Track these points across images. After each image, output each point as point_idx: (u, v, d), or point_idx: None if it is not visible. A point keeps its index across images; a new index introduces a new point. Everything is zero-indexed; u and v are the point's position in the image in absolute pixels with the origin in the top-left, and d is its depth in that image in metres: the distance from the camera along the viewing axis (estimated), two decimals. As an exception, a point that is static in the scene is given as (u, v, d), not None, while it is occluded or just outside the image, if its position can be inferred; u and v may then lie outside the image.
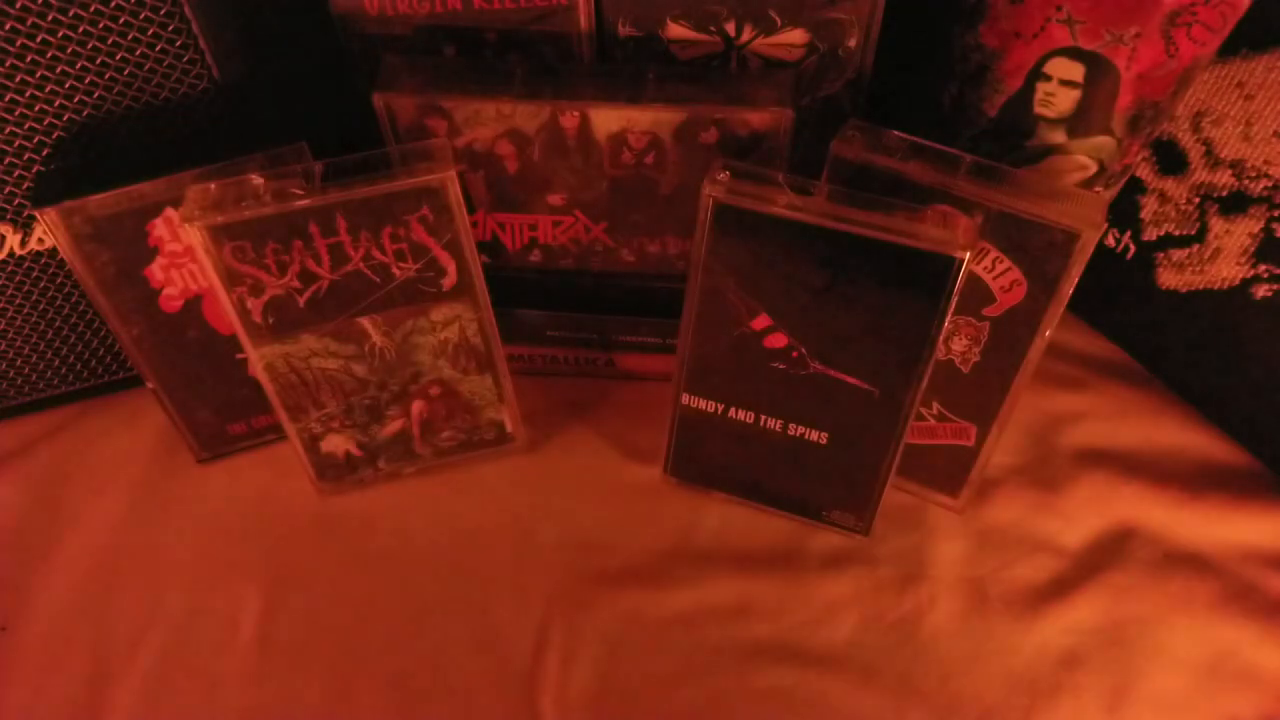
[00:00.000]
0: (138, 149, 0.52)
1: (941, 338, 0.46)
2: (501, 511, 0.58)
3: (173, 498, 0.59)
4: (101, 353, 0.62)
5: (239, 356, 0.56)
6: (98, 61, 0.49)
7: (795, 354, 0.50)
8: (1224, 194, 0.54)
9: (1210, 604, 0.54)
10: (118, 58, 0.49)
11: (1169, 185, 0.57)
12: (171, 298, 0.53)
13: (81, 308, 0.59)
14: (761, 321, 0.49)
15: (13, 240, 0.54)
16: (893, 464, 0.52)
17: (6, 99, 0.48)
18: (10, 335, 0.58)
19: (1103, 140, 0.49)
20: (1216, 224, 0.55)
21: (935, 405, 0.54)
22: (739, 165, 0.46)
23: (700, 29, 0.52)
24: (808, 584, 0.55)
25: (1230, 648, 0.52)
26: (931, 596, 0.54)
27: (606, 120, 0.51)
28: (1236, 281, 0.56)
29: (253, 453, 0.61)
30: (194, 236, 0.46)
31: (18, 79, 0.48)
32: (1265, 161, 0.52)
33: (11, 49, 0.47)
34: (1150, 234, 0.59)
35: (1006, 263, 0.47)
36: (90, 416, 0.63)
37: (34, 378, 0.61)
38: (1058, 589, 0.54)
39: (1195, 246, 0.57)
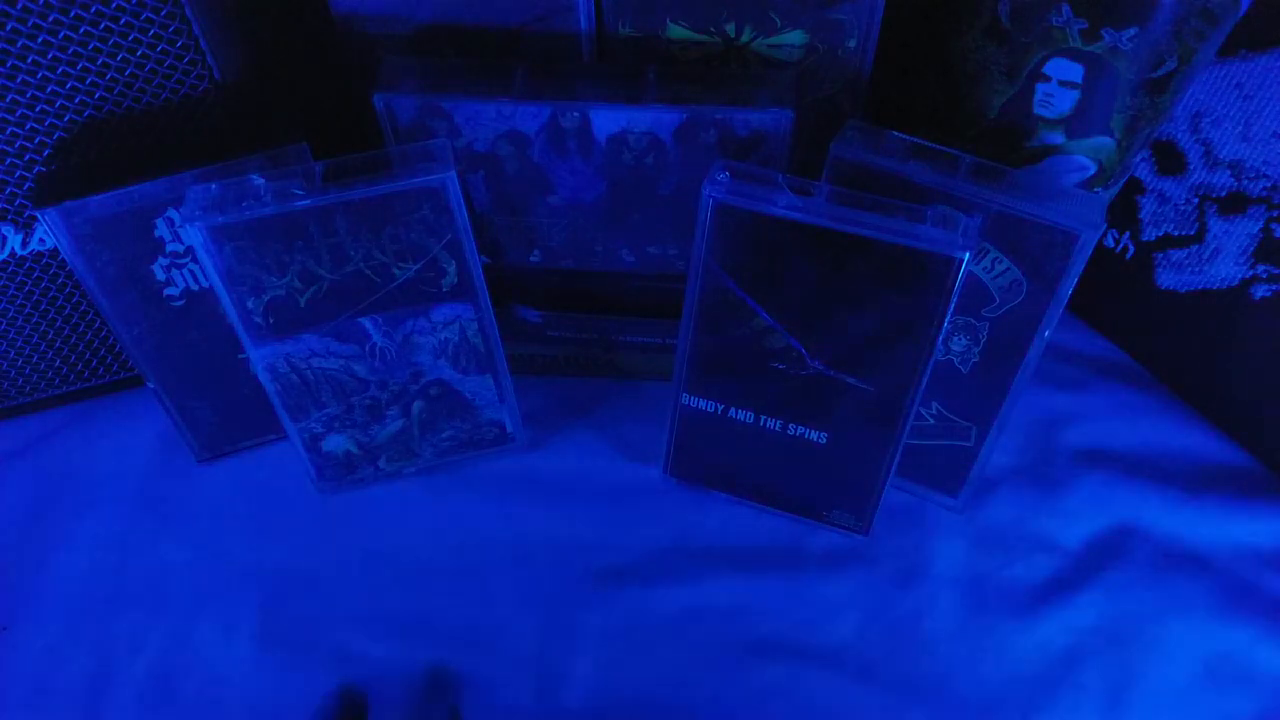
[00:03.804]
0: (139, 149, 0.52)
1: (941, 338, 0.46)
2: (501, 511, 0.58)
3: (173, 498, 0.59)
4: (102, 353, 0.62)
5: (240, 356, 0.56)
6: (98, 62, 0.49)
7: (795, 354, 0.50)
8: (1223, 194, 0.54)
9: (1210, 604, 0.54)
10: (118, 58, 0.49)
11: (1168, 185, 0.57)
12: (172, 298, 0.53)
13: (82, 308, 0.59)
14: (761, 322, 0.49)
15: (14, 241, 0.54)
16: (893, 464, 0.52)
17: (8, 99, 0.48)
18: (11, 335, 0.58)
19: (1102, 141, 0.49)
20: (1215, 224, 0.55)
21: (935, 405, 0.54)
22: (739, 165, 0.46)
23: (700, 29, 0.52)
24: (808, 583, 0.55)
25: (1230, 648, 0.52)
26: (931, 596, 0.54)
27: (606, 120, 0.51)
28: (1236, 282, 0.56)
29: (253, 453, 0.61)
30: (195, 236, 0.46)
31: (19, 79, 0.48)
32: (1264, 162, 0.52)
33: (12, 49, 0.47)
34: (1149, 234, 0.59)
35: (1006, 263, 0.47)
36: (90, 416, 0.63)
37: (34, 378, 0.61)
38: (1058, 589, 0.54)
39: (1194, 247, 0.57)
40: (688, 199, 0.54)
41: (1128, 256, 0.61)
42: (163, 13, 0.48)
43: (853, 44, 0.53)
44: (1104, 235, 0.61)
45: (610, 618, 0.53)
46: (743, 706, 0.50)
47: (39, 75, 0.48)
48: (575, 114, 0.51)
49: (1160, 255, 0.59)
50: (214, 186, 0.46)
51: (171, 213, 0.50)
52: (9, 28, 0.46)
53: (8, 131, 0.50)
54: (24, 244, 0.55)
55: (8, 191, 0.52)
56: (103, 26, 0.48)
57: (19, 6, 0.46)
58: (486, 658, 0.52)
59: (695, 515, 0.58)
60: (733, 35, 0.52)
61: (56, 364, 0.61)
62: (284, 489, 0.59)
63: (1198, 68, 0.46)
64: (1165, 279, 0.59)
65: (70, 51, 0.48)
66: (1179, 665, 0.52)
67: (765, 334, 0.49)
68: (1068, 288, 0.47)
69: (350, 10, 0.53)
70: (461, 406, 0.57)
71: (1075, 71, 0.47)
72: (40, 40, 0.47)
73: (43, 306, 0.58)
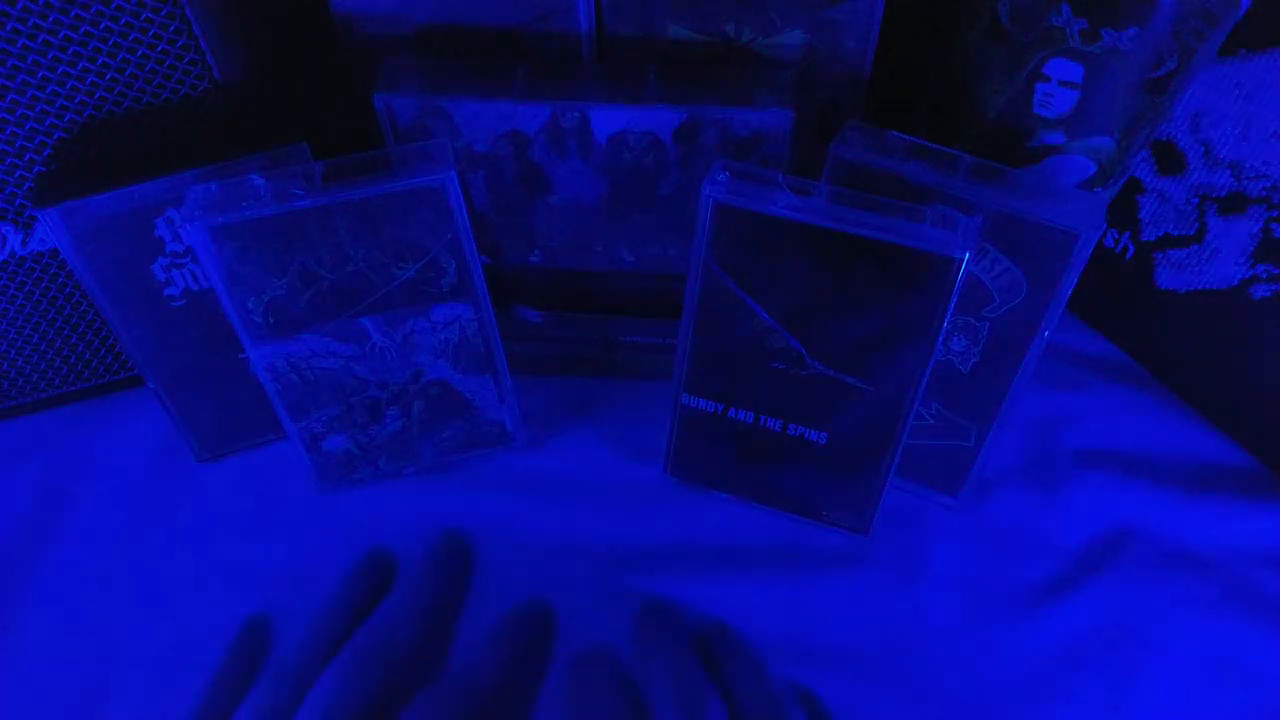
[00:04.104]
0: (139, 149, 0.52)
1: (941, 338, 0.46)
2: (501, 511, 0.58)
3: (173, 498, 0.59)
4: (102, 353, 0.62)
5: (240, 356, 0.56)
6: (98, 62, 0.49)
7: (795, 354, 0.50)
8: (1223, 194, 0.54)
9: (1210, 604, 0.54)
10: (118, 58, 0.49)
11: (1168, 185, 0.57)
12: (173, 298, 0.53)
13: (82, 308, 0.59)
14: (761, 322, 0.49)
15: (14, 241, 0.54)
16: (893, 464, 0.52)
17: (8, 99, 0.48)
18: (11, 335, 0.58)
19: (1102, 141, 0.49)
20: (1215, 224, 0.55)
21: (935, 405, 0.54)
22: (739, 165, 0.46)
23: (700, 29, 0.52)
24: (808, 583, 0.55)
25: (1230, 647, 0.52)
26: (931, 596, 0.54)
27: (606, 120, 0.51)
28: (1235, 282, 0.56)
29: (253, 453, 0.61)
30: (195, 236, 0.46)
31: (19, 79, 0.48)
32: (1264, 162, 0.52)
33: (12, 49, 0.47)
34: (1149, 234, 0.59)
35: (1006, 263, 0.47)
36: (90, 416, 0.63)
37: (34, 378, 0.61)
38: (1058, 589, 0.54)
39: (1194, 247, 0.57)
40: (688, 199, 0.54)
41: (1128, 256, 0.61)
42: (163, 13, 0.48)
43: (853, 44, 0.53)
44: (1104, 235, 0.61)
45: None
46: (743, 706, 0.50)
47: (39, 75, 0.48)
48: (575, 114, 0.51)
49: (1160, 255, 0.59)
50: (214, 186, 0.46)
51: (171, 213, 0.50)
52: (9, 28, 0.46)
53: (8, 131, 0.50)
54: (24, 244, 0.55)
55: (8, 191, 0.52)
56: (103, 26, 0.48)
57: (19, 6, 0.46)
58: (486, 658, 0.52)
59: (695, 515, 0.58)
60: (733, 35, 0.52)
61: (56, 364, 0.61)
62: (284, 489, 0.59)
63: (1198, 68, 0.46)
64: (1165, 279, 0.59)
65: (70, 51, 0.48)
66: (1179, 665, 0.52)
67: (765, 334, 0.49)
68: (1068, 288, 0.47)
69: (350, 10, 0.53)
70: (461, 406, 0.57)
71: (1075, 71, 0.47)
72: (40, 40, 0.47)
73: (43, 306, 0.58)
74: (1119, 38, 0.45)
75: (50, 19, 0.47)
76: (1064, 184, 0.51)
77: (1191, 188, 0.56)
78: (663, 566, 0.55)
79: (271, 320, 0.50)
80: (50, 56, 0.48)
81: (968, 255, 0.43)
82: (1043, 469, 0.60)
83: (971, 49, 0.50)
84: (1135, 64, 0.45)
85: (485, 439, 0.59)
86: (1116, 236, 0.61)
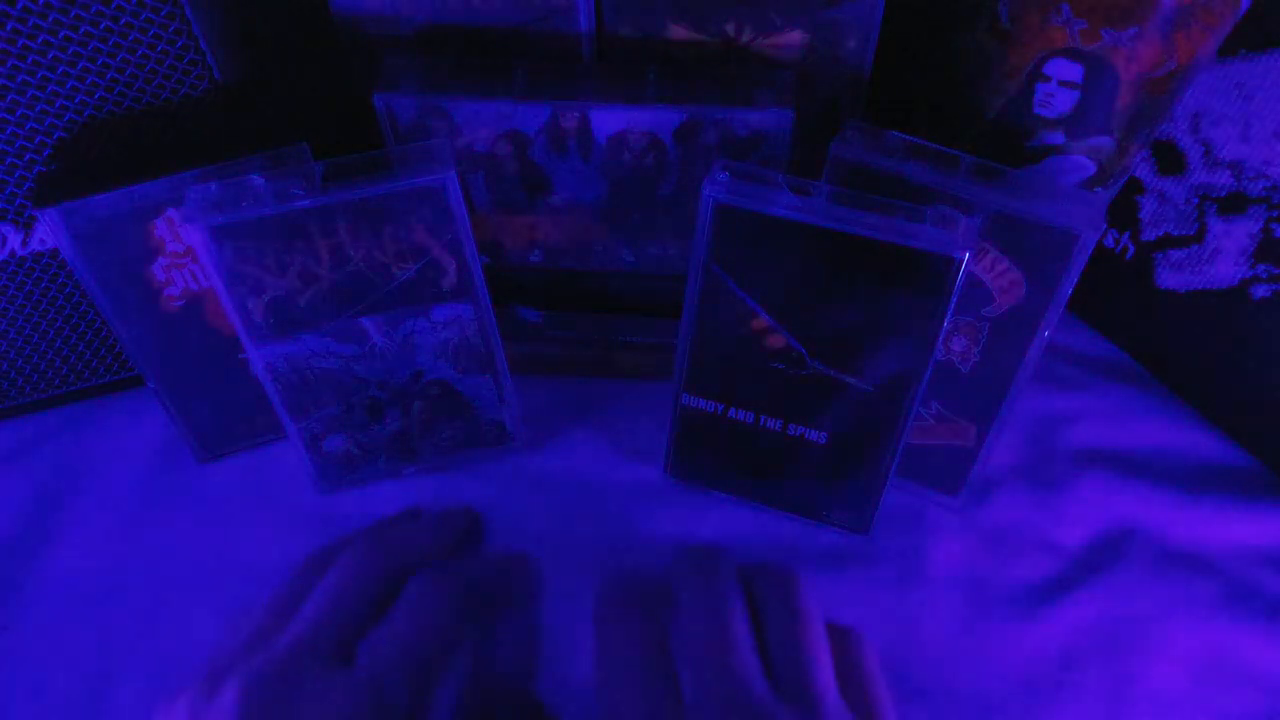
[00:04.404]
0: (139, 149, 0.52)
1: (941, 338, 0.46)
2: (502, 511, 0.58)
3: (173, 498, 0.59)
4: (102, 353, 0.62)
5: (240, 356, 0.56)
6: (98, 62, 0.49)
7: (795, 354, 0.50)
8: (1223, 194, 0.54)
9: (1210, 604, 0.54)
10: (118, 58, 0.49)
11: (1168, 185, 0.57)
12: (173, 298, 0.53)
13: (82, 308, 0.59)
14: (761, 322, 0.49)
15: (14, 241, 0.54)
16: (893, 464, 0.52)
17: (8, 99, 0.49)
18: (11, 335, 0.58)
19: (1102, 141, 0.49)
20: (1215, 224, 0.55)
21: (935, 405, 0.54)
22: (739, 165, 0.46)
23: (700, 29, 0.52)
24: (808, 584, 0.55)
25: (1230, 648, 0.52)
26: (931, 597, 0.54)
27: (606, 120, 0.51)
28: (1235, 282, 0.56)
29: (253, 453, 0.61)
30: (195, 236, 0.46)
31: (19, 79, 0.48)
32: (1264, 162, 0.52)
33: (12, 49, 0.47)
34: (1149, 234, 0.59)
35: (1006, 263, 0.47)
36: (90, 416, 0.63)
37: (34, 378, 0.61)
38: (1058, 589, 0.54)
39: (1194, 247, 0.57)
40: (688, 199, 0.54)
41: (1128, 256, 0.61)
42: (163, 13, 0.48)
43: (853, 44, 0.53)
44: (1104, 235, 0.61)
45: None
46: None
47: (39, 75, 0.48)
48: (575, 114, 0.51)
49: (1160, 255, 0.59)
50: (214, 186, 0.46)
51: (171, 213, 0.50)
52: (9, 28, 0.46)
53: (8, 131, 0.50)
54: (24, 244, 0.55)
55: (8, 191, 0.52)
56: (103, 26, 0.48)
57: (19, 6, 0.46)
58: (486, 658, 0.52)
59: (695, 515, 0.58)
60: (733, 35, 0.52)
61: (56, 364, 0.61)
62: (284, 489, 0.59)
63: (1198, 68, 0.46)
64: (1165, 279, 0.59)
65: (70, 51, 0.48)
66: (1179, 665, 0.52)
67: (765, 334, 0.49)
68: (1068, 288, 0.47)
69: (350, 10, 0.53)
70: (461, 406, 0.57)
71: (1075, 71, 0.47)
72: (40, 40, 0.47)
73: (43, 306, 0.58)
74: (1119, 37, 0.45)
75: (50, 19, 0.47)
76: (1064, 184, 0.51)
77: (1191, 188, 0.56)
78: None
79: (271, 320, 0.50)
80: (50, 56, 0.48)
81: (968, 255, 0.43)
82: (1043, 469, 0.60)
83: (971, 49, 0.50)
84: (1135, 64, 0.45)
85: (485, 439, 0.59)
86: (1116, 236, 0.61)
